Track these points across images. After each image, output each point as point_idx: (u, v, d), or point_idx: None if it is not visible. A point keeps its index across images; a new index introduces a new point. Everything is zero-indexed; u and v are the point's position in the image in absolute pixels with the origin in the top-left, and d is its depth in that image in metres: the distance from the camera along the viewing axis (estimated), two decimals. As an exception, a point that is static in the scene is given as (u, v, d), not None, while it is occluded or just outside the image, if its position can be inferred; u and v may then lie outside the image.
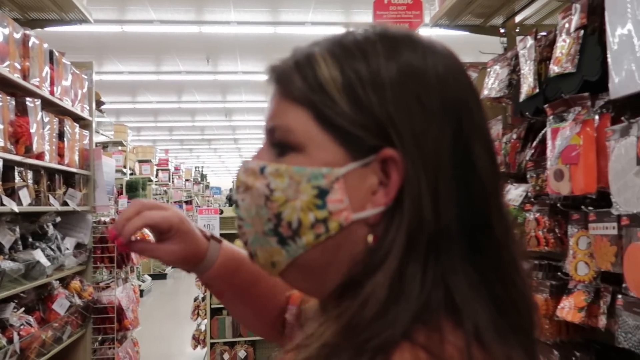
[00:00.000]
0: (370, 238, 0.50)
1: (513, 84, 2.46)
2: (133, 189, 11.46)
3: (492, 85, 2.57)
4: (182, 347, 5.35)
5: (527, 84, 2.23)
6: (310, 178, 0.50)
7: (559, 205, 2.06)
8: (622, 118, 1.66)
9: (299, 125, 0.51)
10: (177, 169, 15.17)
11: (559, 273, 2.15)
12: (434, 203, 0.47)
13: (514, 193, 2.41)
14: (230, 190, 6.24)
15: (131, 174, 11.22)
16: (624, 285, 1.64)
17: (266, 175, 0.52)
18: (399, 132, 0.48)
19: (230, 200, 5.49)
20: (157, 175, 13.27)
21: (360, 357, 0.43)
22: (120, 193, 8.38)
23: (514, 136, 2.47)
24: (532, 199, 2.25)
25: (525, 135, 2.42)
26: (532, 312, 0.51)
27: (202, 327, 5.05)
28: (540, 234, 2.17)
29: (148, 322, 6.69)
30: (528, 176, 2.22)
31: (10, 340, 1.99)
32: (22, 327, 2.11)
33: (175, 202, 14.35)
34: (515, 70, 2.45)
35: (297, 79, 0.51)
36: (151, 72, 10.19)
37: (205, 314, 4.68)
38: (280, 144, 0.52)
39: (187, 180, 16.76)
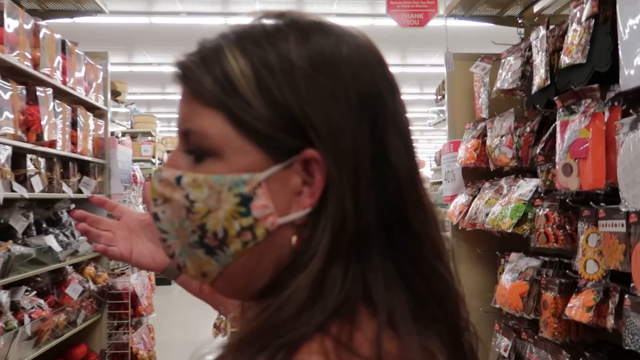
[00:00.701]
0: (294, 239, 0.49)
1: (526, 76, 2.39)
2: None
3: (505, 76, 2.50)
4: (204, 335, 5.44)
5: (539, 76, 2.16)
6: (231, 186, 0.48)
7: (568, 201, 2.00)
8: (631, 111, 1.59)
9: (214, 130, 0.48)
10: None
11: (567, 271, 2.09)
12: (355, 202, 0.47)
13: (525, 188, 2.35)
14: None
15: (160, 164, 11.44)
16: (631, 285, 1.58)
17: (183, 186, 0.49)
18: (317, 132, 0.47)
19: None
20: (185, 166, 13.46)
21: (264, 352, 0.43)
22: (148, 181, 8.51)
23: (528, 129, 2.40)
24: (543, 194, 2.19)
25: (539, 129, 2.35)
26: (455, 303, 0.51)
27: (223, 317, 5.12)
28: (549, 230, 2.11)
29: (173, 309, 6.82)
30: (538, 171, 2.16)
31: (21, 322, 2.06)
32: (33, 310, 2.18)
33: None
34: (528, 61, 2.38)
35: (208, 80, 0.49)
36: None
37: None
38: (195, 150, 0.50)
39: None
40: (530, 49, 2.34)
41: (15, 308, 2.12)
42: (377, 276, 0.47)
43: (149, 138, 9.90)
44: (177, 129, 0.53)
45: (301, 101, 0.47)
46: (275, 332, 0.44)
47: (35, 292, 2.30)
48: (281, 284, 0.48)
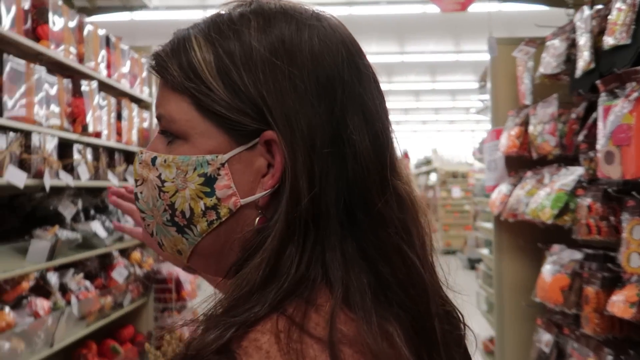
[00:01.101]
0: (256, 220, 0.51)
1: (572, 59, 2.27)
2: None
3: (548, 60, 2.39)
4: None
5: (583, 59, 2.05)
6: (196, 166, 0.51)
7: (611, 191, 1.89)
8: (677, 93, 1.48)
9: (180, 115, 0.51)
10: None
11: (610, 264, 1.98)
12: (310, 182, 0.48)
13: (567, 177, 2.25)
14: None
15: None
16: (678, 279, 1.49)
17: (157, 167, 0.53)
18: (272, 114, 0.49)
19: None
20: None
21: (216, 329, 0.44)
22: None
23: (573, 116, 2.29)
24: (585, 184, 2.09)
25: (585, 115, 2.23)
26: (423, 288, 0.50)
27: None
28: (592, 222, 2.01)
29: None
30: (581, 159, 2.06)
31: (68, 303, 2.20)
32: (80, 291, 2.32)
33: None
34: (574, 44, 2.26)
35: (174, 67, 0.52)
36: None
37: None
38: (166, 133, 0.53)
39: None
40: (575, 31, 2.23)
41: (64, 289, 2.26)
42: (336, 256, 0.47)
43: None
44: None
45: (259, 85, 0.49)
46: (230, 310, 0.46)
47: (82, 275, 2.44)
48: (242, 264, 0.49)
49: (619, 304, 1.80)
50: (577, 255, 2.26)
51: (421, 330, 0.49)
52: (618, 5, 1.77)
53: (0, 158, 1.72)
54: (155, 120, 3.32)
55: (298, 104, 0.49)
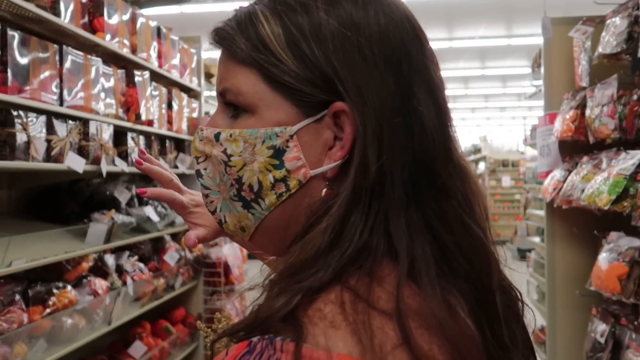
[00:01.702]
0: (324, 191, 0.51)
1: (634, 37, 2.15)
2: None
3: (608, 40, 2.27)
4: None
5: (645, 36, 1.94)
6: (265, 139, 0.51)
7: (675, 174, 1.79)
8: None
9: (248, 87, 0.51)
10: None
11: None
12: (378, 153, 0.48)
13: (627, 162, 2.14)
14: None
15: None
16: None
17: (222, 142, 0.53)
18: (344, 85, 0.49)
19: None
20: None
21: (283, 295, 0.45)
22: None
23: (634, 97, 2.17)
24: (647, 168, 1.98)
25: (647, 96, 2.12)
26: (485, 260, 0.50)
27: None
28: (653, 208, 1.91)
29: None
30: (642, 142, 1.96)
31: (124, 283, 2.30)
32: (134, 272, 2.42)
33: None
34: (637, 21, 2.14)
35: (241, 40, 0.52)
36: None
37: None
38: (232, 106, 0.53)
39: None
40: (639, 8, 2.10)
41: (120, 270, 2.36)
42: (400, 225, 0.47)
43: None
44: (216, 90, 0.56)
45: (329, 56, 0.49)
46: (295, 275, 0.46)
47: (137, 257, 2.54)
48: (305, 232, 0.49)
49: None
50: (637, 242, 2.15)
51: (483, 302, 0.48)
52: (685, -24, 1.66)
53: (61, 145, 1.81)
54: (204, 109, 3.40)
55: (368, 76, 0.49)
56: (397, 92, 0.49)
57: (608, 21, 2.36)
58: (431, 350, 0.43)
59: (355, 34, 0.49)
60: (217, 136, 0.53)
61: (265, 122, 0.51)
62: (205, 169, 0.55)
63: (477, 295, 0.48)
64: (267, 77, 0.50)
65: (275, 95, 0.50)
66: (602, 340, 2.33)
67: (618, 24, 2.27)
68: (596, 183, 2.25)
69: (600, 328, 2.37)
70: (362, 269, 0.46)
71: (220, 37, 0.54)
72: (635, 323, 2.10)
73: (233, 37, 0.53)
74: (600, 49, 2.33)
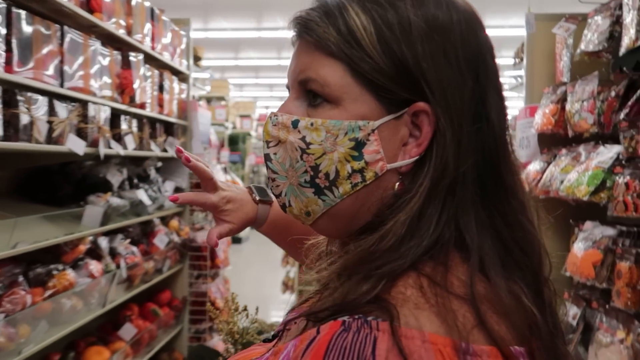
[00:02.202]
0: (397, 185, 0.54)
1: (615, 37, 2.26)
2: (234, 142, 12.10)
3: (590, 38, 2.39)
4: (273, 291, 5.74)
5: (629, 36, 2.05)
6: (347, 131, 0.53)
7: (651, 168, 1.92)
8: None
9: (335, 79, 0.53)
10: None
11: (645, 241, 2.03)
12: (456, 151, 0.52)
13: (605, 155, 2.27)
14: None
15: (233, 128, 11.84)
16: None
17: (300, 129, 0.54)
18: (430, 86, 0.52)
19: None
20: (257, 130, 13.87)
21: (369, 280, 0.49)
22: (222, 145, 8.88)
23: (612, 94, 2.29)
24: (624, 162, 2.11)
25: (625, 93, 2.24)
26: (538, 254, 0.55)
27: (292, 274, 5.36)
28: (629, 199, 2.04)
29: (244, 266, 7.20)
30: (621, 137, 2.08)
31: (117, 266, 2.31)
32: (127, 255, 2.43)
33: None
34: (618, 21, 2.25)
35: (331, 33, 0.53)
36: (252, 28, 10.50)
37: (294, 262, 4.96)
38: (315, 96, 0.55)
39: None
40: (620, 8, 2.22)
41: (113, 253, 2.37)
42: (470, 220, 0.51)
43: (222, 102, 10.26)
44: (291, 79, 0.58)
45: (417, 57, 0.52)
46: (375, 261, 0.50)
47: (129, 240, 2.55)
48: (381, 222, 0.53)
49: (653, 279, 1.85)
50: (610, 231, 2.30)
51: (539, 292, 0.53)
52: (669, -17, 1.77)
53: (62, 127, 1.80)
54: (192, 92, 3.38)
55: (453, 80, 0.52)
56: (474, 97, 0.53)
57: (590, 20, 2.48)
58: (501, 331, 0.47)
59: (441, 37, 0.52)
60: (295, 123, 0.55)
61: (349, 114, 0.53)
62: (275, 153, 0.57)
63: (534, 285, 0.53)
64: (356, 72, 0.52)
65: (361, 89, 0.53)
66: (574, 323, 2.49)
67: (600, 23, 2.38)
68: (575, 175, 2.38)
69: (572, 311, 2.52)
70: (434, 258, 0.50)
71: (307, 26, 0.55)
72: (607, 306, 2.24)
73: (323, 28, 0.54)
74: (582, 46, 2.44)
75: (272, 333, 0.69)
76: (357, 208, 0.55)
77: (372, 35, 0.52)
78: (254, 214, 0.90)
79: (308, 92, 0.56)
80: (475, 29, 0.55)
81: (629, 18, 2.08)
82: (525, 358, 0.47)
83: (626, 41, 2.07)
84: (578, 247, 2.40)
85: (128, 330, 2.49)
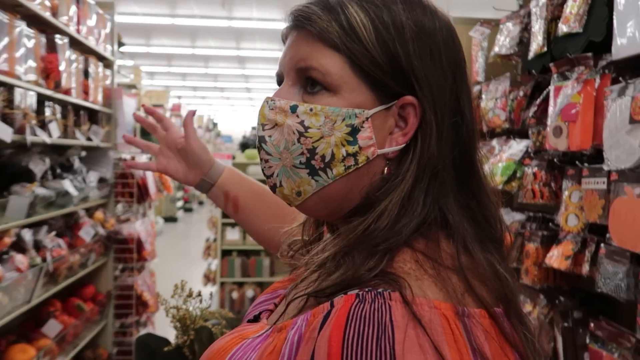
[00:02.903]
0: (386, 169, 0.61)
1: (524, 42, 2.52)
2: (146, 132, 11.60)
3: (503, 42, 2.63)
4: (194, 284, 5.65)
5: (537, 42, 2.29)
6: (345, 117, 0.58)
7: (556, 160, 2.17)
8: (620, 79, 1.74)
9: (335, 69, 0.58)
10: (189, 115, 15.23)
11: (550, 224, 2.29)
12: (439, 141, 0.59)
13: (516, 148, 2.52)
14: (244, 137, 6.31)
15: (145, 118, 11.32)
16: (607, 235, 1.77)
17: (298, 114, 0.58)
18: (418, 82, 0.59)
19: (244, 146, 5.61)
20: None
21: (372, 256, 0.54)
22: (134, 136, 8.48)
23: (521, 93, 2.55)
24: (532, 154, 2.37)
25: (532, 93, 2.50)
26: (501, 227, 0.64)
27: (213, 267, 5.32)
28: (536, 187, 2.29)
29: (161, 261, 6.99)
30: (529, 132, 2.33)
31: (44, 259, 2.19)
32: (53, 248, 2.31)
33: (187, 148, 14.50)
34: (527, 28, 2.50)
35: (334, 27, 0.58)
36: (166, 15, 10.12)
37: (216, 254, 4.93)
38: (313, 84, 0.59)
39: (199, 127, 16.92)
40: (529, 16, 2.46)
41: (38, 246, 2.24)
42: (450, 201, 0.59)
43: (133, 91, 9.81)
44: (288, 66, 0.62)
45: (409, 55, 0.59)
46: (375, 239, 0.56)
47: (54, 232, 2.42)
48: (371, 204, 0.59)
49: (556, 257, 2.10)
50: (519, 217, 2.56)
51: (504, 257, 0.62)
52: (573, -3, 2.01)
53: (-12, 112, 1.69)
54: (117, 79, 3.25)
55: (437, 77, 0.59)
56: (453, 94, 0.61)
57: (502, 25, 2.72)
58: (483, 295, 0.55)
59: (428, 40, 0.59)
60: (293, 108, 0.59)
61: (346, 102, 0.58)
62: (270, 136, 0.60)
63: (502, 255, 0.62)
64: (355, 64, 0.58)
65: (358, 81, 0.58)
66: (488, 300, 2.74)
67: (511, 29, 2.63)
68: (490, 166, 2.61)
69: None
70: (424, 235, 0.57)
71: (309, 19, 0.59)
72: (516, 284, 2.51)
73: (325, 22, 0.58)
74: (496, 49, 2.68)
75: (255, 314, 0.72)
76: (347, 189, 0.60)
77: (371, 32, 0.58)
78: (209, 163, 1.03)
79: (306, 80, 0.60)
80: (453, 36, 0.63)
81: (536, 26, 2.33)
82: (503, 317, 0.56)
83: (534, 47, 2.31)
84: (491, 232, 2.65)
85: (53, 327, 2.37)
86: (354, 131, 0.59)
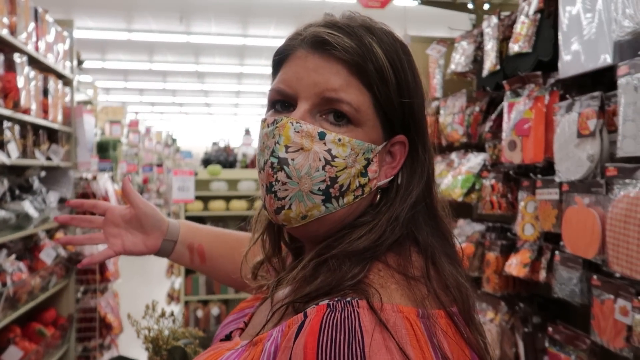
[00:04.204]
0: (377, 198, 0.67)
1: (478, 60, 2.64)
2: (104, 149, 11.33)
3: (458, 60, 2.75)
4: (157, 304, 5.52)
5: (490, 61, 2.41)
6: (365, 151, 0.63)
7: (511, 173, 2.28)
8: (567, 95, 1.86)
9: (364, 107, 0.63)
10: (148, 131, 15.02)
11: (508, 234, 2.40)
12: (415, 173, 0.67)
13: (474, 161, 2.63)
14: (206, 153, 6.26)
15: (102, 135, 11.11)
16: (561, 243, 1.88)
17: (326, 142, 0.61)
18: (417, 124, 0.66)
19: (206, 162, 5.56)
20: (127, 137, 13.13)
21: (359, 263, 0.60)
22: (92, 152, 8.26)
23: (477, 109, 2.67)
24: (489, 167, 2.48)
25: (487, 109, 2.62)
26: (455, 244, 0.70)
27: (176, 286, 5.22)
28: (494, 199, 2.40)
29: (123, 280, 6.80)
30: (486, 146, 2.44)
31: (4, 284, 2.12)
32: (14, 272, 2.24)
33: (146, 165, 14.26)
34: (480, 47, 2.63)
35: (370, 67, 0.62)
36: (122, 29, 9.98)
37: (179, 272, 4.85)
38: (340, 115, 0.63)
39: (157, 143, 16.63)
40: (482, 35, 2.59)
41: (-4, 271, 2.17)
42: (420, 222, 0.65)
43: (89, 107, 9.58)
44: (313, 91, 0.63)
45: (412, 98, 0.66)
46: (363, 247, 0.61)
47: (14, 256, 2.35)
48: (358, 226, 0.64)
49: (514, 265, 2.20)
50: (479, 227, 2.66)
51: (463, 271, 0.68)
52: (522, 18, 2.14)
53: (-54, 133, 1.64)
54: (77, 97, 3.19)
55: (424, 118, 0.68)
56: (427, 134, 0.69)
57: (457, 44, 2.85)
58: (442, 298, 0.61)
59: (419, 83, 0.67)
60: (321, 135, 0.62)
61: (366, 137, 0.63)
62: (293, 159, 0.61)
63: (461, 266, 0.68)
64: (378, 104, 0.64)
65: (376, 118, 0.64)
66: (451, 308, 2.82)
67: (466, 47, 2.76)
68: (450, 179, 2.71)
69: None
70: (394, 251, 0.63)
71: (345, 50, 0.62)
72: (478, 292, 2.60)
73: (361, 59, 0.62)
74: (452, 67, 2.80)
75: (226, 334, 0.75)
76: (346, 216, 0.65)
77: (392, 77, 0.64)
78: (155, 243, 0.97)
79: (331, 109, 0.63)
80: (422, 81, 0.70)
81: (489, 45, 2.45)
82: (459, 317, 0.61)
83: (488, 65, 2.44)
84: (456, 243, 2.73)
85: (13, 354, 2.29)
86: (367, 164, 0.64)
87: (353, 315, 0.53)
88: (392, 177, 0.67)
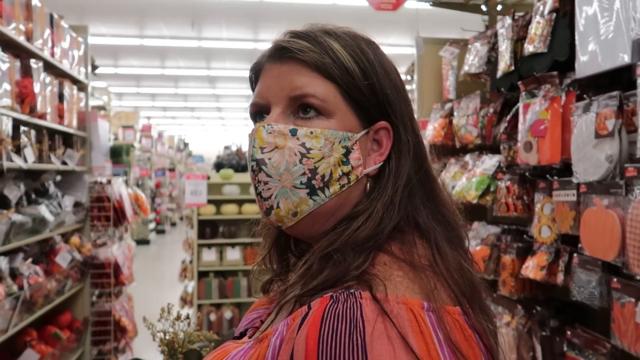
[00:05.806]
0: (368, 185, 0.68)
1: (492, 61, 2.62)
2: (117, 154, 11.44)
3: (472, 61, 2.73)
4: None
5: (504, 62, 2.39)
6: (341, 140, 0.65)
7: (527, 174, 2.26)
8: (585, 96, 1.84)
9: (330, 97, 0.65)
10: (160, 135, 15.13)
11: (525, 236, 2.37)
12: (406, 158, 0.67)
13: (489, 163, 2.60)
14: (218, 157, 6.29)
15: (115, 140, 11.22)
16: (579, 245, 1.85)
17: (299, 137, 0.64)
18: (393, 109, 0.68)
19: (218, 166, 5.58)
20: (140, 142, 13.24)
21: (361, 253, 0.60)
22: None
23: (491, 110, 2.64)
24: (504, 169, 2.45)
25: (501, 110, 2.60)
26: (460, 229, 0.70)
27: (189, 289, 5.24)
28: (510, 201, 2.37)
29: (136, 284, 6.85)
30: (501, 148, 2.41)
31: (20, 287, 2.14)
32: (30, 275, 2.26)
33: (158, 169, 14.37)
34: (494, 48, 2.61)
35: (327, 60, 0.65)
36: (134, 36, 10.07)
37: (193, 276, 4.87)
38: (305, 109, 0.65)
39: (170, 147, 16.75)
40: (496, 36, 2.57)
41: (14, 274, 2.19)
42: (419, 206, 0.66)
43: (102, 112, 9.68)
44: (280, 95, 0.66)
45: (383, 86, 0.68)
46: (363, 237, 0.61)
47: (30, 259, 2.37)
48: (354, 217, 0.64)
49: (531, 268, 2.17)
50: (494, 230, 2.63)
51: (468, 253, 0.68)
52: (537, 19, 2.11)
53: (-36, 138, 1.66)
54: (91, 102, 3.22)
55: (402, 105, 0.69)
56: (412, 118, 0.70)
57: (470, 45, 2.83)
58: (450, 290, 0.60)
59: (390, 73, 0.69)
60: (293, 131, 0.64)
61: (340, 126, 0.65)
62: (270, 158, 0.64)
63: (465, 252, 0.68)
64: (345, 92, 0.66)
65: (347, 107, 0.66)
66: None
67: (479, 48, 2.74)
68: (464, 181, 2.69)
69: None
70: (397, 239, 0.63)
71: (301, 50, 0.66)
72: (494, 295, 2.57)
73: (318, 55, 0.65)
74: (466, 68, 2.78)
75: (240, 331, 0.75)
76: (337, 207, 0.66)
77: (355, 66, 0.66)
78: None
79: (299, 106, 0.65)
80: (397, 70, 0.72)
81: (503, 46, 2.43)
82: (468, 310, 0.60)
83: (502, 66, 2.41)
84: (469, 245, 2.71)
85: (29, 357, 2.30)
86: (347, 152, 0.65)
87: (355, 306, 0.53)
88: (380, 164, 0.68)
